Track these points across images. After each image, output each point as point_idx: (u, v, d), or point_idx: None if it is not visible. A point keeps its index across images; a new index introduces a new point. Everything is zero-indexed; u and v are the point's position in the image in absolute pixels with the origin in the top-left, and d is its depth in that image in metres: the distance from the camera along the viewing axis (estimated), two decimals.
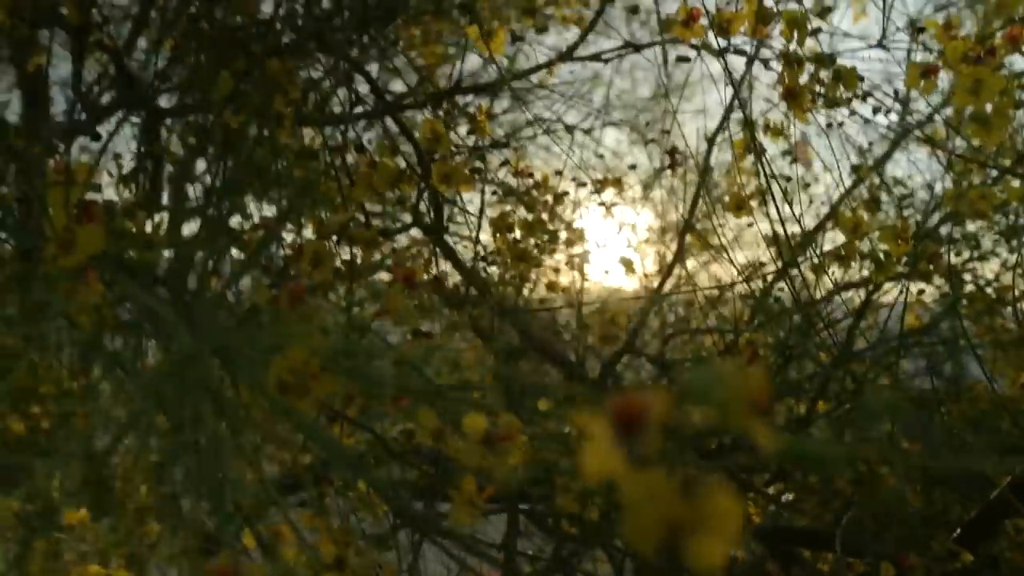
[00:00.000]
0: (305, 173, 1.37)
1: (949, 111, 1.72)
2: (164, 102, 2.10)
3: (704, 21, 1.37)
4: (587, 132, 3.00)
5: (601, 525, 1.82)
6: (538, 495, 1.74)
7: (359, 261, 1.30)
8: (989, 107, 1.17)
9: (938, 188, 2.16)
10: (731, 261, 2.04)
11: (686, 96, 3.37)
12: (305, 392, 0.85)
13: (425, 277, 1.33)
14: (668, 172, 2.16)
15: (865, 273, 1.89)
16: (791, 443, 0.48)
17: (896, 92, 1.57)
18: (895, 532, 1.65)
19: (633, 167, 2.46)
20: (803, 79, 1.40)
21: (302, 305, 0.95)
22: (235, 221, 1.51)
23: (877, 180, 2.28)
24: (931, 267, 1.58)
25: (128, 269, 0.93)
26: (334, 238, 1.30)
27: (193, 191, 1.68)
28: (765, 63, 1.55)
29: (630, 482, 0.46)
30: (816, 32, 1.35)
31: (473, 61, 2.15)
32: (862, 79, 1.41)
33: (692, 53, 1.57)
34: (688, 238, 2.45)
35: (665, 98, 3.46)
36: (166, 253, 1.05)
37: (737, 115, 2.29)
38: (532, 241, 1.79)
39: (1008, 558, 1.53)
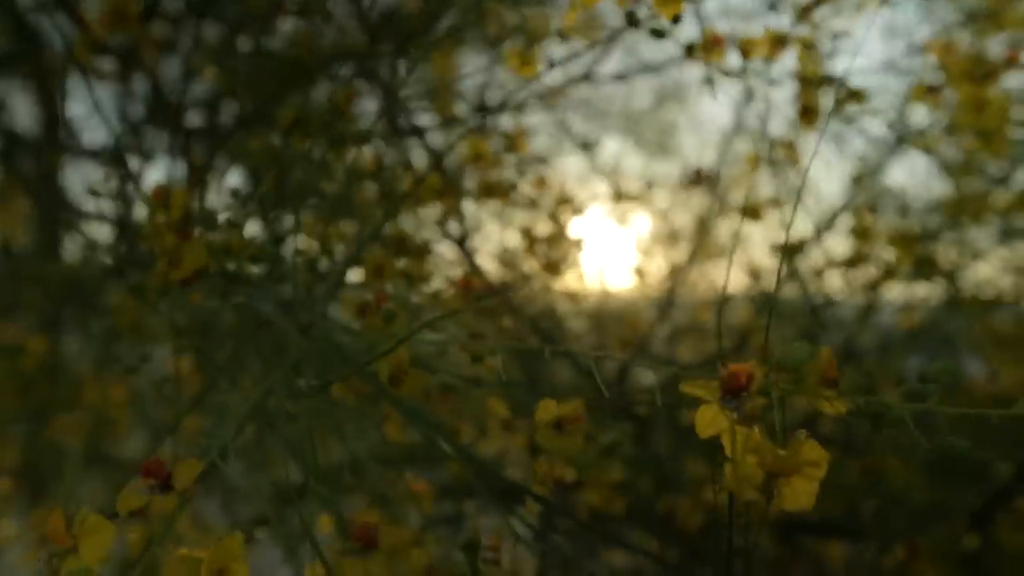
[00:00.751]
0: (359, 192, 1.48)
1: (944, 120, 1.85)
2: (198, 121, 2.20)
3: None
4: (586, 146, 3.08)
5: (624, 520, 1.92)
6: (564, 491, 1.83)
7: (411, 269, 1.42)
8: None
9: (935, 191, 2.28)
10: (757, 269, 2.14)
11: (684, 101, 3.48)
12: (400, 384, 0.96)
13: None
14: (690, 186, 2.27)
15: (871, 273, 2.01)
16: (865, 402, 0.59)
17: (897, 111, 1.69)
18: (904, 520, 1.76)
19: (650, 185, 2.57)
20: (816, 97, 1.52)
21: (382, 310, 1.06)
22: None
23: (877, 187, 2.39)
24: (932, 269, 1.70)
25: (231, 280, 1.03)
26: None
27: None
28: (772, 82, 1.67)
29: (735, 436, 0.57)
30: (831, 55, 1.47)
31: (481, 75, 2.25)
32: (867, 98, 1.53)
33: (714, 74, 1.68)
34: (697, 243, 2.56)
35: (664, 105, 3.56)
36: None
37: (745, 127, 2.41)
38: (557, 251, 1.90)
39: (1008, 541, 1.64)
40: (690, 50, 1.41)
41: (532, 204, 2.09)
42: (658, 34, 1.41)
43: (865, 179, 2.26)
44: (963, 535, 1.62)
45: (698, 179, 2.23)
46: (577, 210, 2.18)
